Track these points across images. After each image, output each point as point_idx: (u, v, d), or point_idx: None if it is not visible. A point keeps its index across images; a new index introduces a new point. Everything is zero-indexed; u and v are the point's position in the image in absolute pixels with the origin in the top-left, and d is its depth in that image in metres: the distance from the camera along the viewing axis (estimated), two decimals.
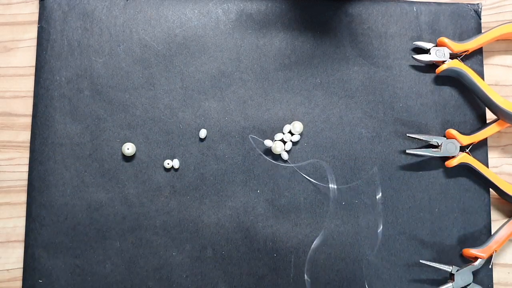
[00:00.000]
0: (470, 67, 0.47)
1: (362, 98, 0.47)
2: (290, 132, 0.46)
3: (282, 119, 0.46)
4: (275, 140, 0.45)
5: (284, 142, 0.46)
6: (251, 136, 0.45)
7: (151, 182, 0.45)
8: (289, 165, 0.45)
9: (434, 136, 0.46)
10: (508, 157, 0.49)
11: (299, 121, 0.46)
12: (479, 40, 0.47)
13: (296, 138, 0.46)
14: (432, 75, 0.48)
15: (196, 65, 0.46)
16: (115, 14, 0.46)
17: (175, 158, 0.45)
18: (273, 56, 0.47)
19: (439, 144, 0.46)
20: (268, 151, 0.46)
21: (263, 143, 0.45)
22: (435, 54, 0.47)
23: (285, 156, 0.45)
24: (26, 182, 0.44)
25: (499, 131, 0.46)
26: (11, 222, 0.45)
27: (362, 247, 0.45)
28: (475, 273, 0.45)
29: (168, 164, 0.44)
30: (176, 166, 0.45)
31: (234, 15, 0.47)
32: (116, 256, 0.44)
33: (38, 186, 0.44)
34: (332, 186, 0.45)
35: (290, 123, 0.46)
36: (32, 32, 0.47)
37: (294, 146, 0.46)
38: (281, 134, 0.46)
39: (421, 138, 0.46)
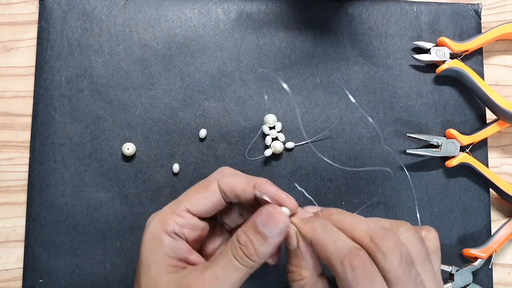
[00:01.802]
0: (470, 67, 0.47)
1: (362, 98, 0.47)
2: (270, 128, 0.45)
3: (282, 119, 0.46)
4: (270, 144, 0.45)
5: (276, 139, 0.45)
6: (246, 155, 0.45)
7: (151, 182, 0.45)
8: (305, 142, 0.46)
9: (434, 136, 0.46)
10: (508, 157, 0.49)
11: (297, 117, 0.46)
12: (479, 40, 0.47)
13: (279, 126, 0.45)
14: (432, 75, 0.48)
15: (196, 65, 0.46)
16: (115, 14, 0.46)
17: (175, 162, 0.45)
18: (273, 56, 0.47)
19: (439, 144, 0.46)
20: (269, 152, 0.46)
21: (264, 155, 0.45)
22: (435, 54, 0.47)
23: (290, 145, 0.45)
24: (26, 182, 0.44)
25: (499, 131, 0.46)
26: (11, 222, 0.45)
27: None
28: (475, 273, 0.45)
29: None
30: (176, 171, 0.45)
31: (234, 15, 0.47)
32: (116, 256, 0.44)
33: (38, 186, 0.44)
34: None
35: (274, 125, 0.46)
36: (32, 32, 0.47)
37: (295, 147, 0.46)
38: (268, 136, 0.45)
39: (421, 138, 0.46)
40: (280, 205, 0.32)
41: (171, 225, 0.32)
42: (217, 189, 0.33)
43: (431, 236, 0.32)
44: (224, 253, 0.31)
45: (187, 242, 0.33)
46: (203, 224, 0.34)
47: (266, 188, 0.32)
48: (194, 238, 0.34)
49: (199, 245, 0.35)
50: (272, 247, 0.31)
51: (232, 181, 0.33)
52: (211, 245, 0.37)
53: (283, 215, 0.31)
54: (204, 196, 0.33)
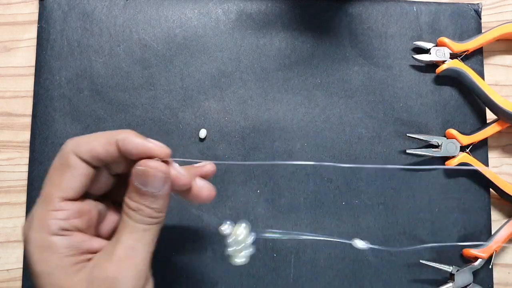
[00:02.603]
0: (470, 67, 0.47)
1: (362, 98, 0.47)
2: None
3: (282, 119, 0.46)
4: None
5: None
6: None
7: None
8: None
9: (434, 136, 0.46)
10: (508, 157, 0.49)
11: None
12: (479, 40, 0.47)
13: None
14: (432, 75, 0.48)
15: (196, 65, 0.46)
16: (115, 14, 0.46)
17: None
18: (273, 56, 0.47)
19: (439, 144, 0.46)
20: (267, 155, 0.45)
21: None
22: (435, 54, 0.47)
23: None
24: (26, 182, 0.44)
25: (499, 131, 0.46)
26: (11, 222, 0.44)
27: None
28: (475, 273, 0.45)
29: None
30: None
31: (234, 15, 0.47)
32: None
33: (38, 186, 0.44)
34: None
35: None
36: (32, 32, 0.47)
37: (294, 147, 0.46)
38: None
39: (421, 138, 0.46)
40: (152, 156, 0.30)
41: (55, 224, 0.28)
42: (79, 162, 0.29)
43: None
44: (125, 224, 0.29)
45: (81, 232, 0.30)
46: (88, 205, 0.31)
47: (130, 143, 0.30)
48: (87, 224, 0.30)
49: (96, 229, 0.32)
50: (165, 198, 0.30)
51: (89, 147, 0.30)
52: (108, 225, 0.33)
53: (157, 167, 0.30)
54: (70, 176, 0.29)
